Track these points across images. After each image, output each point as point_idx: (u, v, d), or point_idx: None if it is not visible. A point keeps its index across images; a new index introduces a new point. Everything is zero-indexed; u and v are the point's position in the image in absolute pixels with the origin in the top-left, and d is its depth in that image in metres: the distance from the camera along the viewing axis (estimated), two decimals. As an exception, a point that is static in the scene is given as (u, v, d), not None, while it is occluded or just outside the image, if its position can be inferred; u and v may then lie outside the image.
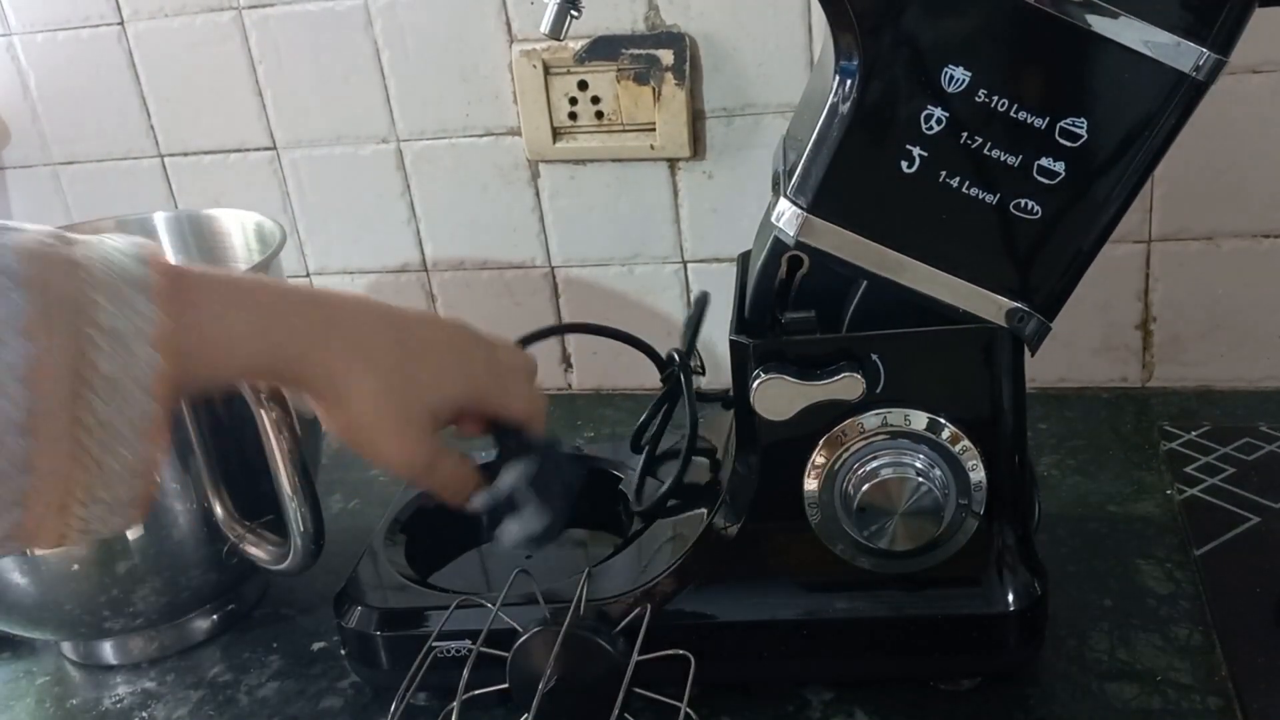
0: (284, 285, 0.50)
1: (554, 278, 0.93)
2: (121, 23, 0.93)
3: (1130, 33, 0.45)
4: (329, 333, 0.47)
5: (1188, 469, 0.72)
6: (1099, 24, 0.45)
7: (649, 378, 0.95)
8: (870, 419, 0.53)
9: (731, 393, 0.56)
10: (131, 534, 0.62)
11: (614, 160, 0.87)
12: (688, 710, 0.52)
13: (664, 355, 0.69)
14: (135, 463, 0.39)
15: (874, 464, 0.53)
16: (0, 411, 0.35)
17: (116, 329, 0.38)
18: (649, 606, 0.56)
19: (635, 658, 0.53)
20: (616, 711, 0.51)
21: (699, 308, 0.70)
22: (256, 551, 0.65)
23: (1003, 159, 0.48)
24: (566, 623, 0.53)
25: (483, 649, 0.55)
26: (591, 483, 0.72)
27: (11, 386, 0.35)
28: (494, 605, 0.56)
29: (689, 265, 0.90)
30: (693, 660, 0.53)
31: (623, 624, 0.55)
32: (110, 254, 0.40)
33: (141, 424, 0.39)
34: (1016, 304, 0.50)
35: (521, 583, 0.58)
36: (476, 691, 0.53)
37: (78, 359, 0.37)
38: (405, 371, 0.49)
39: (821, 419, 0.53)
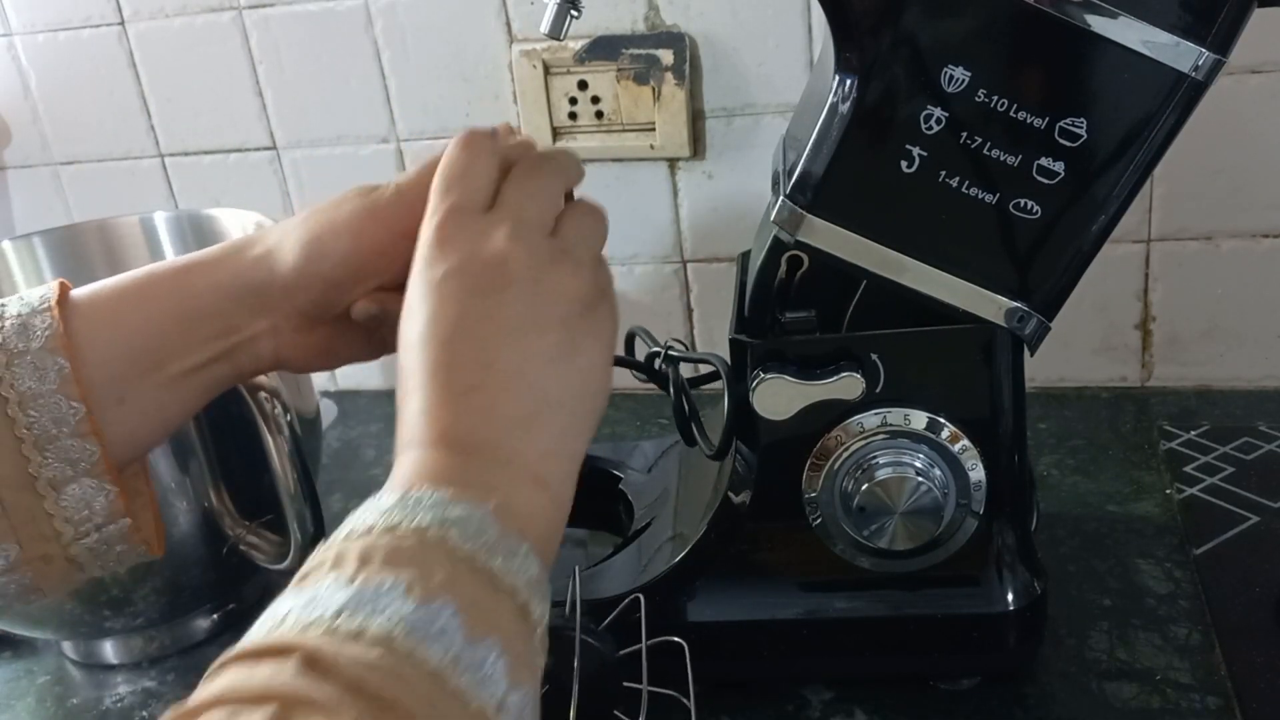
0: None
1: (554, 277, 0.93)
2: (122, 23, 0.93)
3: (1129, 33, 0.45)
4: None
5: (1187, 468, 0.72)
6: (1098, 24, 0.45)
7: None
8: (870, 419, 0.53)
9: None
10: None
11: (614, 160, 0.87)
12: (692, 691, 0.51)
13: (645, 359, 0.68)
14: (89, 466, 0.43)
15: (873, 463, 0.53)
16: None
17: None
18: (642, 601, 0.56)
19: (620, 651, 0.53)
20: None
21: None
22: (256, 551, 0.65)
23: (1002, 159, 0.48)
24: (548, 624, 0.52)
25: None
26: (591, 483, 0.72)
27: None
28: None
29: (689, 265, 0.90)
30: (686, 646, 0.53)
31: (620, 623, 0.55)
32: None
33: (76, 424, 0.43)
34: (1016, 304, 0.51)
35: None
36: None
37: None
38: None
39: (821, 419, 0.53)
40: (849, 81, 0.48)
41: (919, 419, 0.53)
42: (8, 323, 0.44)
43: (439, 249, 0.42)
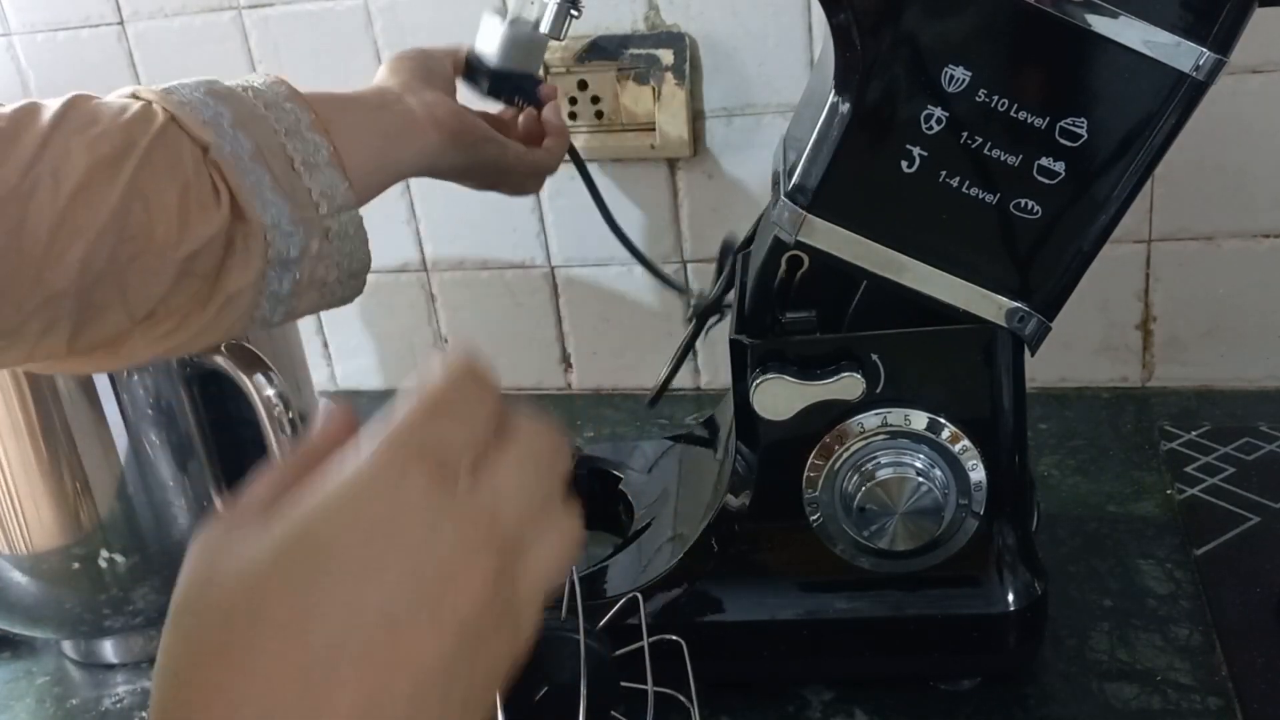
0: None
1: (554, 278, 0.93)
2: (121, 23, 0.93)
3: (1130, 32, 0.45)
4: None
5: (1188, 469, 0.72)
6: (1099, 24, 0.45)
7: (649, 378, 0.95)
8: (870, 419, 0.53)
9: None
10: (132, 532, 0.62)
11: (614, 160, 0.87)
12: (694, 689, 0.51)
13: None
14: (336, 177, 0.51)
15: (874, 464, 0.53)
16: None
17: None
18: (641, 600, 0.56)
19: (617, 651, 0.53)
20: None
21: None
22: (256, 551, 0.65)
23: (1003, 159, 0.48)
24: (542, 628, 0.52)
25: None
26: (591, 483, 0.72)
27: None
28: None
29: (689, 265, 0.90)
30: (684, 645, 0.53)
31: (611, 623, 0.55)
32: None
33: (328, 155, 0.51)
34: (1016, 304, 0.50)
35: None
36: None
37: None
38: None
39: (821, 419, 0.53)
40: (849, 81, 0.48)
41: (919, 419, 0.53)
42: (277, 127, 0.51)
43: (372, 524, 0.27)
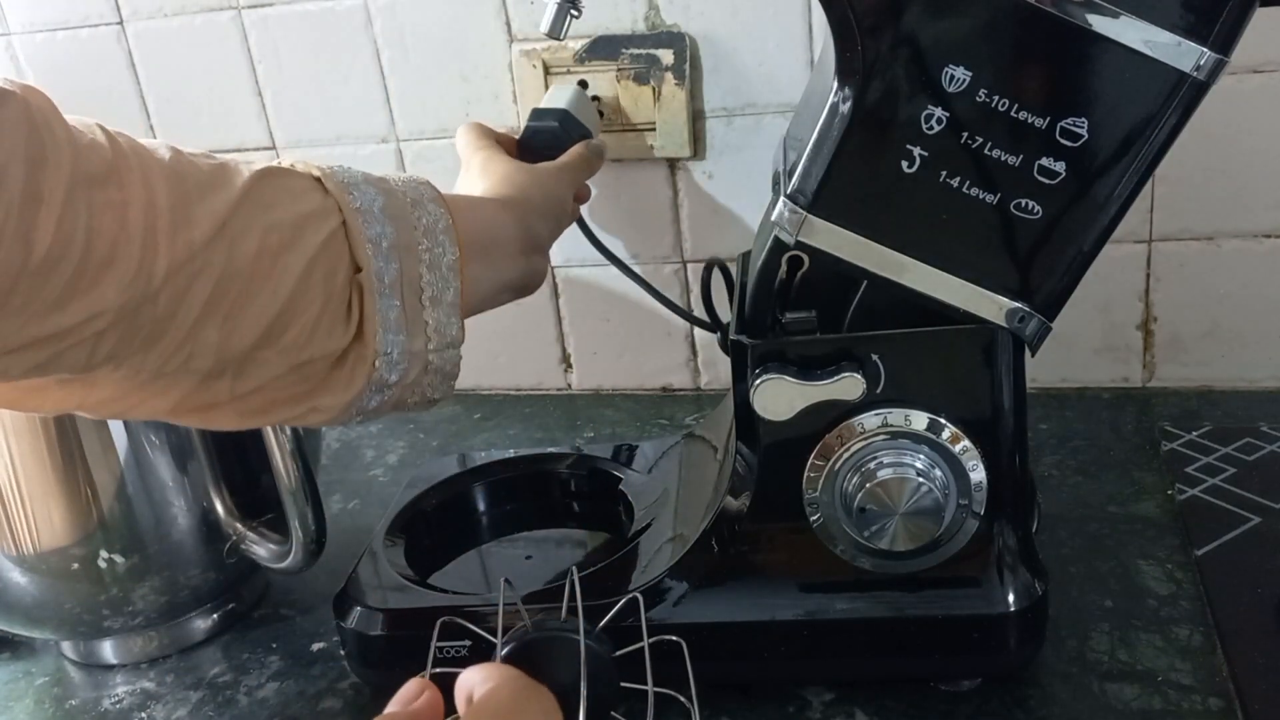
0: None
1: (554, 278, 0.93)
2: (121, 23, 0.93)
3: (1131, 32, 0.45)
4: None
5: (1188, 469, 0.72)
6: (1099, 23, 0.45)
7: (649, 378, 0.95)
8: (870, 419, 0.53)
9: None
10: (131, 533, 0.62)
11: (614, 160, 0.87)
12: (694, 690, 0.51)
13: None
14: (453, 295, 0.51)
15: (874, 464, 0.53)
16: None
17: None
18: (641, 601, 0.56)
19: (617, 652, 0.53)
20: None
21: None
22: (257, 550, 0.65)
23: (1003, 159, 0.48)
24: (531, 628, 0.52)
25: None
26: (592, 483, 0.72)
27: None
28: (476, 627, 0.55)
29: (689, 265, 0.90)
30: (685, 645, 0.53)
31: (611, 623, 0.55)
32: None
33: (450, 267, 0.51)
34: (1017, 304, 0.50)
35: (511, 590, 0.57)
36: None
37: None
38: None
39: (822, 419, 0.53)
40: (850, 81, 0.48)
41: (920, 419, 0.52)
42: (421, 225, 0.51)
43: None
